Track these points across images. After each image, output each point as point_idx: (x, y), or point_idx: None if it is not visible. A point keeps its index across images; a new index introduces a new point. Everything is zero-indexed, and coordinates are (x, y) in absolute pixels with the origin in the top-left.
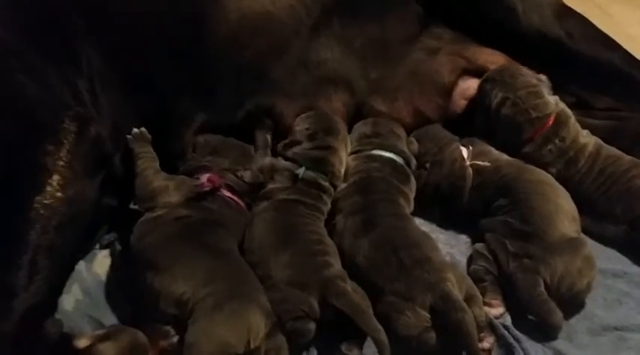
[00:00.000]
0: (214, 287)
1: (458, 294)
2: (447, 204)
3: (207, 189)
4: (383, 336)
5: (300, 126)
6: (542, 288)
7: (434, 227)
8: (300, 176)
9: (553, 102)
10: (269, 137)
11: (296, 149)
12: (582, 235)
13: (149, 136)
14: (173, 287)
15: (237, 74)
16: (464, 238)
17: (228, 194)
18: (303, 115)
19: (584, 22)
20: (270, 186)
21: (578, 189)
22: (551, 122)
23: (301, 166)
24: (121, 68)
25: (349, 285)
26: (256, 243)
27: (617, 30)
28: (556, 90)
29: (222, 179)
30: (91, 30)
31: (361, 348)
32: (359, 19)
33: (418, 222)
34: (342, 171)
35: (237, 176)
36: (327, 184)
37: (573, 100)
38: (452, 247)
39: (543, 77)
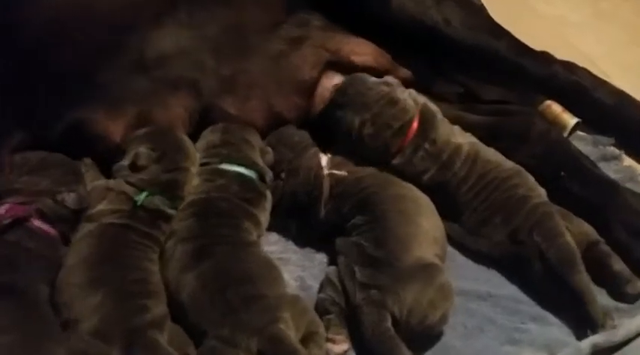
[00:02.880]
0: (2, 338)
1: (290, 336)
2: (303, 218)
3: (7, 222)
4: None
5: (141, 147)
6: (389, 324)
7: (289, 245)
8: (138, 203)
9: (411, 102)
10: None
11: (142, 174)
12: (439, 263)
13: None
14: None
15: (54, 80)
16: (320, 258)
17: (37, 223)
18: (140, 133)
19: (467, 8)
20: (96, 208)
21: (455, 195)
22: (415, 125)
23: (142, 191)
24: None
25: (165, 334)
26: (65, 280)
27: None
28: (442, 80)
29: (31, 206)
30: None
31: None
32: (211, 2)
33: (273, 238)
34: (187, 193)
35: (56, 200)
36: (170, 211)
37: (461, 91)
38: (304, 270)
39: (390, 78)
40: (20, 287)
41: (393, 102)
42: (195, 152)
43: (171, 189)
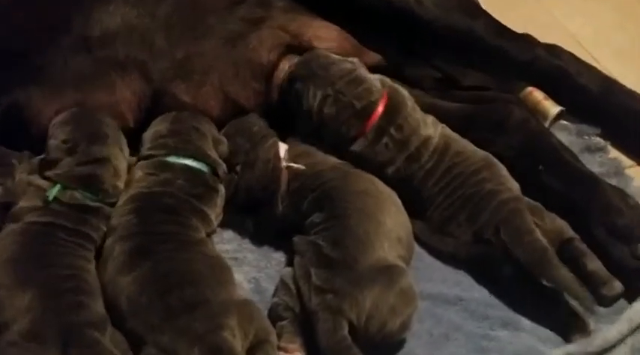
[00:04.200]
0: None
1: (235, 345)
2: (260, 214)
3: None
4: None
5: (55, 139)
6: (345, 332)
7: (244, 243)
8: (49, 198)
9: (377, 83)
10: None
11: (57, 169)
12: (402, 264)
13: None
14: None
15: None
16: (277, 257)
17: None
18: (57, 120)
19: None
20: (19, 205)
21: (420, 188)
22: (381, 108)
23: (55, 184)
24: None
25: (107, 337)
26: None
27: None
28: (418, 64)
29: None
30: None
31: None
32: None
33: (228, 236)
34: (120, 184)
35: None
36: (97, 204)
37: (438, 76)
38: (260, 271)
39: (355, 59)
40: None
41: (358, 80)
42: (120, 137)
43: (90, 184)
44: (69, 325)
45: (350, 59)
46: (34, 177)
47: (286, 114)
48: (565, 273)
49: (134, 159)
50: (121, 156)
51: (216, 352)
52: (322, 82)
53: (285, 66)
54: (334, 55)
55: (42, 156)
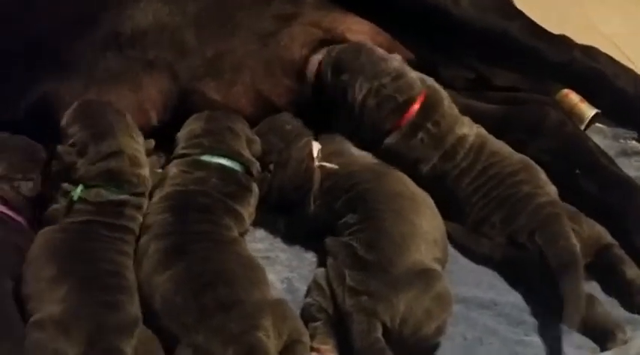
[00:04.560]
0: None
1: (269, 345)
2: (292, 213)
3: None
4: None
5: (63, 144)
6: (379, 334)
7: (276, 243)
8: (74, 198)
9: (417, 80)
10: None
11: (74, 173)
12: (439, 268)
13: None
14: None
15: (19, 54)
16: (309, 257)
17: (1, 209)
18: (62, 122)
19: None
20: (54, 206)
21: (454, 188)
22: (418, 105)
23: (78, 185)
24: None
25: (134, 341)
26: (31, 271)
27: None
28: (451, 64)
29: None
30: None
31: None
32: None
33: (260, 235)
34: (143, 172)
35: (12, 186)
36: (125, 197)
37: (472, 76)
38: (292, 270)
39: (397, 56)
40: None
41: (401, 75)
42: (129, 126)
43: (110, 178)
44: (98, 326)
45: (393, 55)
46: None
47: (318, 110)
48: (577, 283)
49: (152, 140)
50: (134, 144)
51: (250, 352)
52: (370, 76)
53: (316, 58)
54: (379, 49)
55: (55, 167)
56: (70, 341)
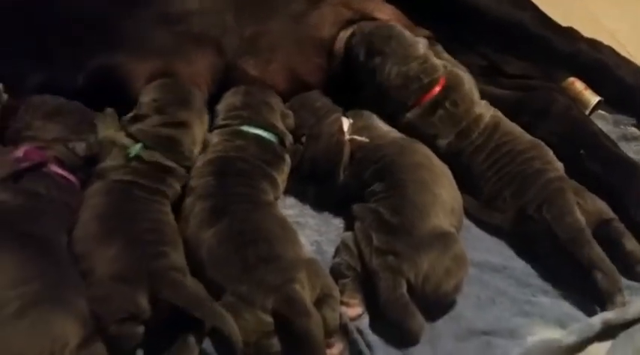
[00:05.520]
0: (23, 288)
1: (305, 296)
2: (322, 182)
3: (26, 166)
4: (230, 322)
5: (147, 97)
6: (404, 290)
7: (305, 209)
8: (131, 154)
9: (441, 65)
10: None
11: (141, 125)
12: (455, 232)
13: (1, 95)
14: None
15: (77, 26)
16: (336, 223)
17: (56, 169)
18: (152, 84)
19: None
20: (105, 163)
21: (470, 164)
22: (440, 87)
23: (137, 143)
24: None
25: (188, 279)
26: (81, 232)
27: None
28: (465, 51)
29: (46, 151)
30: None
31: None
32: None
33: (290, 202)
34: (196, 151)
35: (67, 147)
36: (172, 165)
37: (484, 63)
38: (321, 234)
39: (423, 40)
40: (42, 236)
41: (426, 57)
42: (204, 108)
43: (170, 145)
44: (154, 270)
45: (419, 38)
46: (120, 136)
47: (346, 86)
48: (598, 252)
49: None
50: (200, 126)
51: (289, 302)
52: (399, 61)
53: (344, 34)
54: (407, 32)
55: (132, 114)
56: (135, 288)
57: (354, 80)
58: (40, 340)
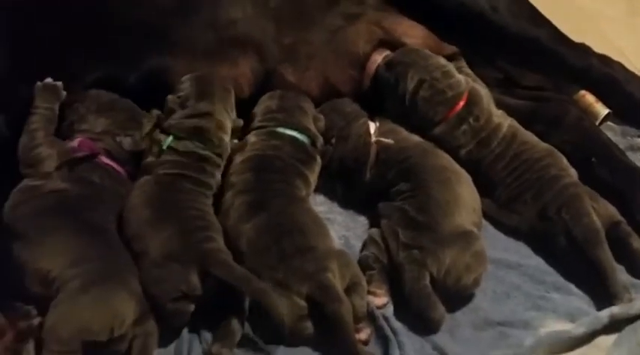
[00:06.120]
0: (84, 267)
1: (336, 284)
2: (349, 181)
3: (81, 155)
4: (275, 299)
5: (174, 93)
6: (427, 282)
7: (334, 207)
8: (164, 146)
9: (463, 80)
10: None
11: (171, 120)
12: (476, 231)
13: (61, 92)
14: (40, 264)
15: (134, 30)
16: (362, 220)
17: (107, 161)
18: (184, 78)
19: None
20: (149, 159)
21: (490, 171)
22: (464, 101)
23: (169, 135)
24: None
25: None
26: (134, 216)
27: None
28: (483, 64)
29: (97, 143)
30: None
31: (232, 348)
32: None
33: (319, 200)
34: (225, 137)
35: (114, 141)
36: (207, 153)
37: (500, 76)
38: (348, 230)
39: (442, 59)
40: (99, 223)
41: (450, 73)
42: (228, 98)
43: (197, 134)
44: (205, 251)
45: (438, 56)
46: (156, 133)
47: (376, 99)
48: (607, 254)
49: (241, 121)
50: (225, 113)
51: (323, 288)
52: (421, 69)
53: (378, 57)
54: (429, 52)
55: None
56: (187, 267)
57: (382, 99)
58: (103, 315)
